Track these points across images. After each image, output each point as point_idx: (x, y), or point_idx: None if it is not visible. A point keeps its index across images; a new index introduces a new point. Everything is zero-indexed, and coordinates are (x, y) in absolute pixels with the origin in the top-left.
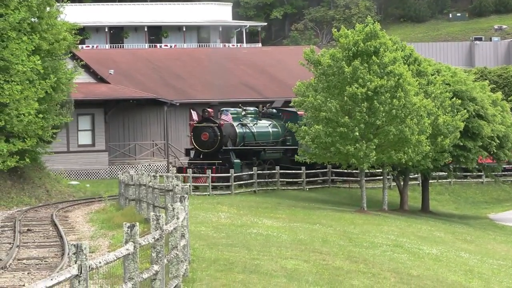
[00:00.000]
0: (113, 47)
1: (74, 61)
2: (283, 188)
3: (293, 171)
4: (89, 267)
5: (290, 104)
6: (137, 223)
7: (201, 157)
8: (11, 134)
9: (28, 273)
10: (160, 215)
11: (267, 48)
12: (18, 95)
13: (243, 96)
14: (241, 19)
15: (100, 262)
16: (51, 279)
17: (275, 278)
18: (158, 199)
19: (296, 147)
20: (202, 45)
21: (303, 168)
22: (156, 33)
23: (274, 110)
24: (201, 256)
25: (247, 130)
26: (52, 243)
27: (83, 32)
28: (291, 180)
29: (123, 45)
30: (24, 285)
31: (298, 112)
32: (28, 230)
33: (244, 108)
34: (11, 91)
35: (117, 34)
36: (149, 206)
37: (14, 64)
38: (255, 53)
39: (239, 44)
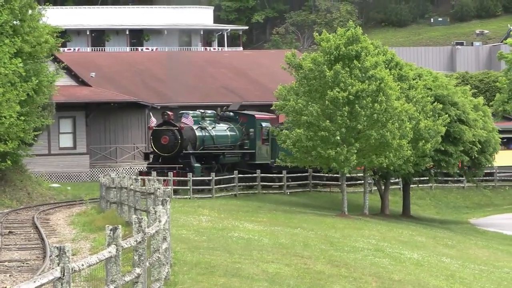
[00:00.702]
0: (94, 50)
1: (56, 63)
2: (264, 191)
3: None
4: (72, 270)
5: (271, 108)
6: (120, 226)
7: (160, 161)
8: None
9: (10, 275)
10: (142, 218)
11: (249, 51)
12: (0, 97)
13: (224, 99)
14: (222, 22)
15: (82, 265)
16: (34, 281)
17: (257, 282)
18: (139, 202)
19: (254, 151)
20: (183, 48)
21: (284, 172)
22: (137, 36)
23: (231, 114)
24: (182, 259)
25: (207, 134)
26: (33, 246)
27: (65, 35)
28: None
29: (104, 48)
30: (6, 287)
31: (256, 116)
32: (9, 232)
33: (202, 111)
34: None
35: (98, 37)
36: (130, 209)
37: None
38: (236, 56)
39: (220, 48)
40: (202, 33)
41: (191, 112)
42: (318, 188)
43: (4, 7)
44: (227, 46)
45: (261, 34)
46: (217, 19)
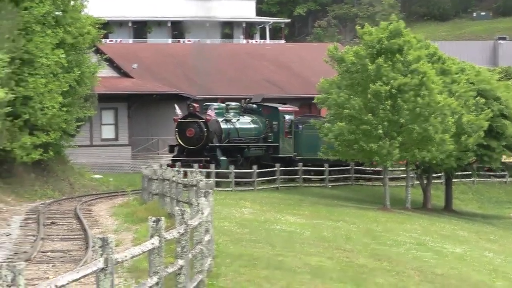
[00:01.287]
0: (136, 42)
1: (98, 55)
2: (305, 185)
3: (315, 168)
4: (115, 261)
5: (313, 101)
6: (162, 218)
7: (185, 154)
8: (35, 127)
9: (52, 266)
10: (185, 210)
11: (291, 44)
12: (42, 88)
13: (266, 92)
14: (264, 15)
15: (125, 256)
16: (77, 272)
17: (299, 274)
18: (181, 194)
19: (277, 144)
20: (225, 41)
21: (326, 165)
22: (179, 28)
23: (255, 106)
24: (225, 251)
25: (231, 126)
26: (76, 236)
27: (107, 26)
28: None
29: (146, 40)
30: (48, 278)
31: (279, 108)
32: (52, 223)
33: (227, 103)
34: (35, 84)
35: (140, 28)
36: (172, 200)
37: (38, 58)
38: (279, 49)
39: (262, 41)
40: (244, 25)
41: (215, 104)
42: (360, 182)
43: None
44: (269, 39)
45: (303, 27)
46: (259, 12)
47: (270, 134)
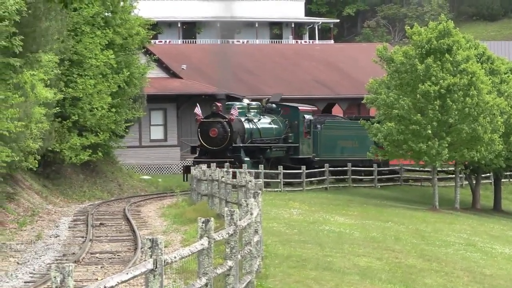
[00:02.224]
0: (185, 42)
1: (147, 55)
2: (354, 185)
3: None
4: (164, 262)
5: (362, 101)
6: (212, 218)
7: (207, 155)
8: (84, 128)
9: (101, 267)
10: (234, 211)
11: (340, 45)
12: (91, 89)
13: (315, 92)
14: (313, 15)
15: (175, 257)
16: (127, 273)
17: (348, 275)
18: (230, 195)
19: (297, 144)
20: (274, 41)
21: (375, 165)
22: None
23: (274, 105)
24: (274, 252)
25: (254, 126)
26: (124, 237)
27: (156, 27)
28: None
29: (195, 41)
30: (97, 279)
31: (300, 108)
32: (100, 224)
33: (248, 102)
34: (84, 85)
35: (189, 29)
36: (221, 201)
37: (87, 59)
38: (328, 49)
39: (311, 41)
40: (293, 25)
41: (238, 103)
42: (409, 182)
43: None
44: (318, 39)
45: (352, 27)
46: (308, 12)
47: (291, 135)
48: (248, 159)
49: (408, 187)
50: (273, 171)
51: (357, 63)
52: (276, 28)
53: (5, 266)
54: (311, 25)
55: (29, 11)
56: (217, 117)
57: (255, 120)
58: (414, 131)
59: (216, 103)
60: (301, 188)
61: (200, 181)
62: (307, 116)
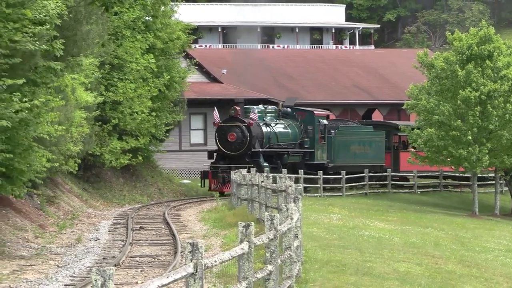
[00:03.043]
0: (226, 47)
1: (188, 60)
2: (394, 191)
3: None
4: (205, 266)
5: (402, 107)
6: (252, 223)
7: (225, 160)
8: (124, 132)
9: (141, 271)
10: (274, 216)
11: (380, 50)
12: (132, 93)
13: (355, 98)
14: (354, 21)
15: (215, 261)
16: (167, 277)
17: (388, 280)
18: (270, 199)
19: (313, 150)
20: (314, 46)
21: (415, 171)
22: (269, 33)
23: (289, 109)
24: (313, 257)
25: (271, 131)
26: (164, 241)
27: (197, 32)
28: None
29: (236, 45)
30: (137, 283)
31: (315, 112)
32: (140, 228)
33: (265, 106)
34: (125, 89)
35: (230, 34)
36: (261, 206)
37: (128, 63)
38: (368, 55)
39: (351, 46)
40: (333, 31)
41: (255, 107)
42: (448, 188)
43: (136, 3)
44: (359, 45)
45: (392, 33)
46: (349, 17)
47: (306, 140)
48: (267, 164)
49: (447, 193)
50: (313, 176)
51: (397, 68)
52: (316, 33)
53: (45, 269)
54: (352, 30)
55: (70, 15)
56: (235, 121)
57: (272, 125)
58: (454, 137)
59: (235, 106)
60: (341, 194)
61: (240, 185)
62: (322, 121)
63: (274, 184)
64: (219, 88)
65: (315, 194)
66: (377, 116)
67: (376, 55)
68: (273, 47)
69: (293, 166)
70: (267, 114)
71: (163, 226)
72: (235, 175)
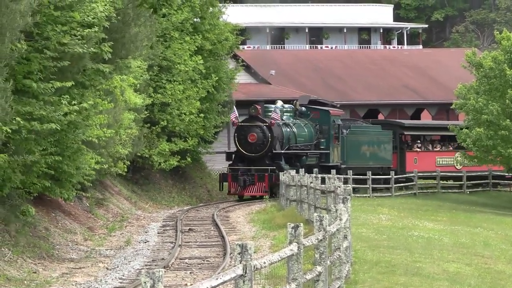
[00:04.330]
0: (274, 48)
1: (236, 61)
2: (443, 191)
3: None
4: (254, 267)
5: (451, 107)
6: (301, 224)
7: (244, 162)
8: (173, 133)
9: (190, 273)
10: (323, 216)
11: (428, 50)
12: (180, 94)
13: (403, 98)
14: (402, 21)
15: (264, 263)
16: (216, 279)
17: (437, 281)
18: (319, 200)
19: (328, 151)
20: (363, 46)
21: (464, 171)
22: (317, 34)
23: (304, 108)
24: (362, 258)
25: (290, 131)
26: (213, 243)
27: (245, 33)
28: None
29: (284, 46)
30: (186, 285)
31: (331, 111)
32: (189, 229)
33: (282, 104)
34: (173, 91)
35: (278, 35)
36: (310, 207)
37: (176, 64)
38: (416, 55)
39: (399, 46)
40: (381, 31)
41: (272, 106)
42: (498, 188)
43: (185, 4)
44: (407, 45)
45: (440, 33)
46: (396, 17)
47: (322, 141)
48: (288, 166)
49: (496, 193)
50: (361, 176)
51: (445, 68)
52: (364, 33)
53: (94, 272)
54: (400, 30)
55: (119, 17)
56: (256, 121)
57: (291, 124)
58: (503, 137)
59: (255, 105)
60: (390, 194)
61: (289, 186)
62: (336, 121)
63: (323, 185)
64: (267, 89)
65: (364, 195)
66: (425, 116)
67: (424, 55)
68: (321, 47)
69: (308, 167)
70: (285, 113)
71: (212, 228)
72: (283, 176)
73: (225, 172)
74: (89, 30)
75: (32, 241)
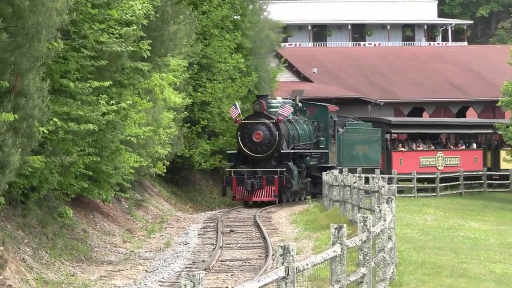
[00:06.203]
0: (316, 45)
1: (277, 59)
2: (489, 190)
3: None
4: (296, 269)
5: (497, 104)
6: (344, 225)
7: (247, 163)
8: (213, 133)
9: (231, 275)
10: (367, 217)
11: (473, 46)
12: (220, 93)
13: (449, 96)
14: (446, 17)
15: (307, 264)
16: (258, 281)
17: (484, 282)
18: (363, 201)
19: (327, 151)
20: (406, 43)
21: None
22: (359, 31)
23: (300, 104)
24: (407, 259)
25: (294, 128)
26: (255, 245)
27: (286, 30)
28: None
29: (326, 43)
30: (227, 287)
31: (329, 107)
32: (230, 231)
33: (284, 100)
34: (213, 90)
35: (320, 32)
36: (353, 207)
37: (216, 62)
38: (461, 51)
39: (444, 43)
40: (425, 27)
41: (274, 100)
42: None
43: (224, 1)
44: (451, 41)
45: (486, 29)
46: (441, 14)
47: (322, 139)
48: (296, 168)
49: None
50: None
51: (491, 65)
52: (408, 30)
53: (133, 274)
54: (444, 27)
55: (157, 15)
56: (261, 117)
57: (294, 122)
58: None
59: (260, 100)
60: (435, 194)
61: (332, 186)
62: (333, 118)
63: (367, 185)
64: (309, 87)
65: (409, 195)
66: (471, 114)
67: (469, 52)
68: (364, 44)
69: (308, 168)
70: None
71: (253, 229)
72: (326, 176)
73: (229, 175)
74: (127, 28)
75: (69, 243)
